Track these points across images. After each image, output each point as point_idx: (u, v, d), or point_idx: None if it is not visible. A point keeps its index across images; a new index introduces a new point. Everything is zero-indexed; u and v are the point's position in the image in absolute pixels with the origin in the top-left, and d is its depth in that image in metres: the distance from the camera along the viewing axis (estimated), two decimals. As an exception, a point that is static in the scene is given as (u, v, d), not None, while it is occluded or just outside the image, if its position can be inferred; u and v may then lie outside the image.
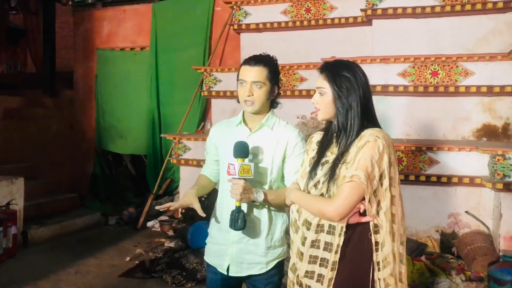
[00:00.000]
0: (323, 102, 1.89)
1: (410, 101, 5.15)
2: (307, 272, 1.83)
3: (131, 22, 7.63)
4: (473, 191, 4.60)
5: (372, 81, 1.96)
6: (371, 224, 1.77)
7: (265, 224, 2.21)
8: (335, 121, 1.88)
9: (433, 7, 5.16)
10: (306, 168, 1.97)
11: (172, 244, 5.07)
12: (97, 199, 7.40)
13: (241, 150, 2.09)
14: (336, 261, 1.77)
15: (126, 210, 6.54)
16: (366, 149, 1.75)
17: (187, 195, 2.23)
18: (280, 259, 2.26)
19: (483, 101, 4.99)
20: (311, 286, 1.82)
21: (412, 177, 4.68)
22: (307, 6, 6.04)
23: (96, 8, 7.97)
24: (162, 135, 6.75)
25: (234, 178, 2.07)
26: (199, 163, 5.79)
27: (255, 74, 2.16)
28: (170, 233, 5.65)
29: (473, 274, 3.92)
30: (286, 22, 6.12)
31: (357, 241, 1.79)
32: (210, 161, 2.41)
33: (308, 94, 5.35)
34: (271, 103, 2.27)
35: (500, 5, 4.98)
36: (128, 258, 4.87)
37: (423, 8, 5.18)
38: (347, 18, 5.80)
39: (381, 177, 1.75)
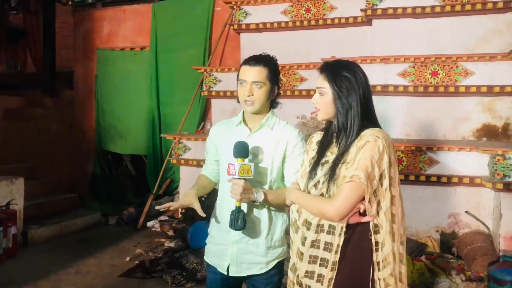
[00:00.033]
0: (323, 102, 1.89)
1: (410, 101, 5.15)
2: (307, 272, 1.83)
3: (131, 22, 7.63)
4: (473, 191, 4.60)
5: (372, 81, 1.96)
6: (371, 224, 1.77)
7: (265, 224, 2.21)
8: (335, 121, 1.88)
9: (433, 7, 5.16)
10: (306, 168, 1.97)
11: (172, 244, 5.07)
12: (97, 199, 7.39)
13: (241, 150, 2.09)
14: (336, 261, 1.77)
15: (126, 210, 6.54)
16: (366, 149, 1.75)
17: (187, 195, 2.23)
18: (280, 259, 2.26)
19: (483, 101, 4.99)
20: (311, 286, 1.82)
21: (412, 177, 4.68)
22: (307, 6, 6.03)
23: (96, 8, 7.97)
24: (162, 135, 6.75)
25: (234, 178, 2.07)
26: (199, 163, 5.79)
27: (255, 74, 2.16)
28: (170, 233, 5.65)
29: (473, 274, 3.92)
30: (286, 22, 6.12)
31: (357, 241, 1.79)
32: (210, 161, 2.41)
33: (308, 94, 5.35)
34: (271, 103, 2.27)
35: (500, 5, 4.98)
36: (128, 258, 4.87)
37: (423, 8, 5.18)
38: (347, 18, 5.80)
39: (381, 177, 1.75)
